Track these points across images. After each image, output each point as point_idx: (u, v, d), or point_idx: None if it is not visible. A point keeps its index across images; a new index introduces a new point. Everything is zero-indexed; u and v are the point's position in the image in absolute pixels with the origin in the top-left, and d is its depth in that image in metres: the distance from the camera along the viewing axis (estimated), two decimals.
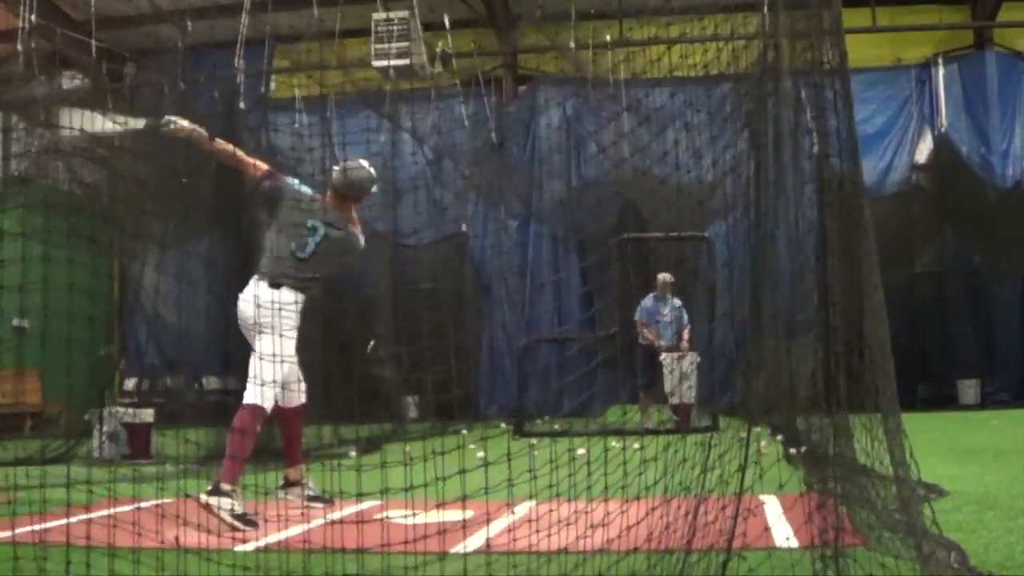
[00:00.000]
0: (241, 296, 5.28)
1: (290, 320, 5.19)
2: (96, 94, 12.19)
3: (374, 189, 5.66)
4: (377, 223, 13.32)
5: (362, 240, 5.69)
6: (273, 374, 4.94)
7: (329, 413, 9.56)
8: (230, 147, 5.54)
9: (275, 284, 5.22)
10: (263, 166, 5.55)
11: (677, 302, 11.81)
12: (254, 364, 5.06)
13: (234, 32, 13.31)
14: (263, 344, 5.05)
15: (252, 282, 5.28)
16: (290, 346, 5.19)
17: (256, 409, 5.05)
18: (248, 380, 5.09)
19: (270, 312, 5.01)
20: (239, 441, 4.94)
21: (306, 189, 5.55)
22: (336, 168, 5.63)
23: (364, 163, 5.64)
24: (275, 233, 5.38)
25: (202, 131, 5.36)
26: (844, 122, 3.18)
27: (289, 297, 5.20)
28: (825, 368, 2.98)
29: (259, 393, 5.02)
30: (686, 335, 11.72)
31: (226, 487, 4.80)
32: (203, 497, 4.73)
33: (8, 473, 5.33)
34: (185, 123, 5.33)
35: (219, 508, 4.71)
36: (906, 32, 15.47)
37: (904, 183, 15.48)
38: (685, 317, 11.78)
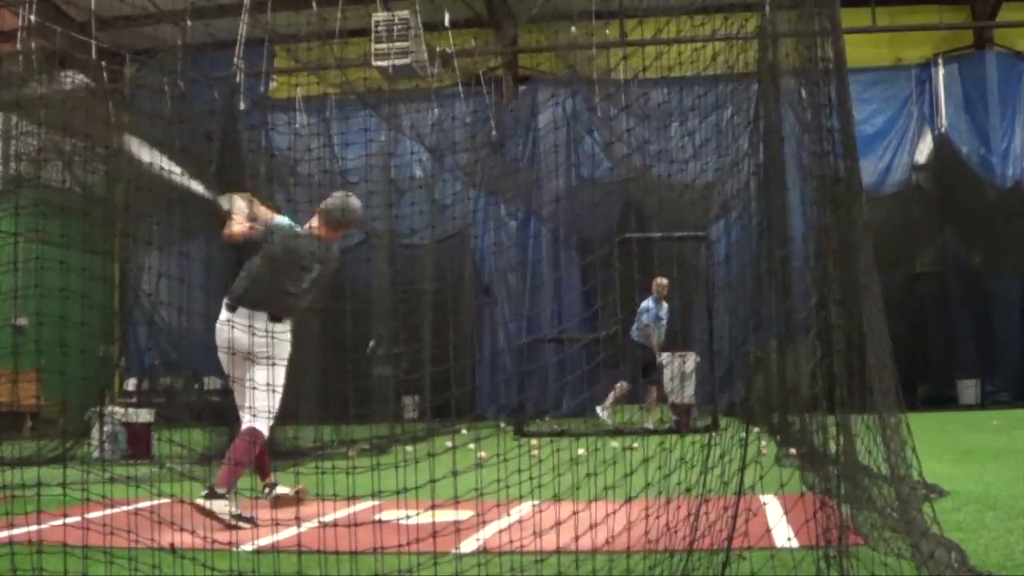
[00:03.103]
0: (229, 321, 5.24)
1: (286, 351, 5.26)
2: (96, 94, 12.18)
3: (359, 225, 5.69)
4: (377, 223, 13.31)
5: (337, 255, 5.72)
6: (271, 402, 5.04)
7: (328, 414, 9.55)
8: (241, 231, 5.40)
9: (275, 318, 5.23)
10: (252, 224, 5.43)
11: (665, 304, 11.86)
12: (253, 392, 5.06)
13: (234, 32, 13.30)
14: (262, 373, 5.05)
15: (243, 310, 5.22)
16: (283, 375, 5.24)
17: (257, 434, 5.12)
18: (246, 407, 5.11)
19: (267, 342, 5.02)
20: (240, 457, 5.03)
21: (292, 224, 5.51)
22: (329, 200, 5.60)
23: (354, 198, 5.67)
24: (265, 266, 5.33)
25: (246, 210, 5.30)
26: (842, 121, 3.17)
27: (283, 328, 5.27)
28: (826, 367, 2.97)
29: (260, 420, 5.08)
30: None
31: (221, 490, 4.84)
32: (201, 502, 4.77)
33: (7, 473, 5.33)
34: (236, 203, 5.24)
35: (219, 510, 4.77)
36: (906, 32, 15.47)
37: (904, 183, 15.49)
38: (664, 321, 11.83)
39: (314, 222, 5.53)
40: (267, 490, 5.64)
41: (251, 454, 5.11)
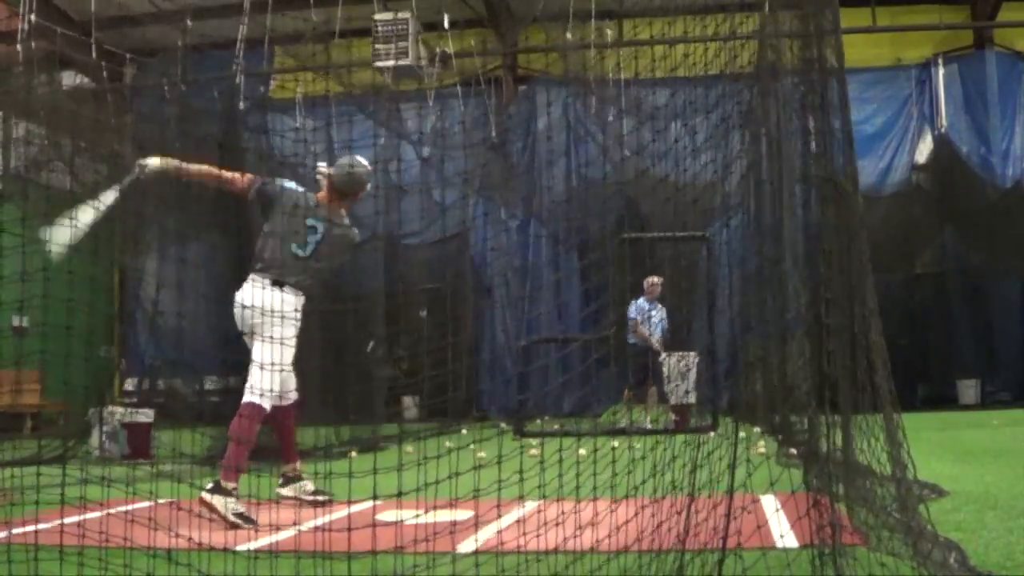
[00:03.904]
0: (239, 295, 5.29)
1: (291, 321, 5.21)
2: (96, 94, 12.19)
3: (369, 187, 5.69)
4: (377, 224, 13.30)
5: (357, 234, 5.76)
6: (272, 375, 4.97)
7: (328, 414, 9.57)
8: (206, 168, 5.47)
9: (277, 284, 5.24)
10: (246, 177, 5.52)
11: (658, 306, 11.86)
12: (256, 354, 5.06)
13: (234, 32, 13.31)
14: (263, 344, 5.05)
15: (250, 281, 5.29)
16: (291, 345, 5.21)
17: (255, 408, 5.06)
18: (248, 379, 5.10)
19: (271, 312, 5.03)
20: (240, 441, 4.97)
21: (299, 187, 5.56)
22: (332, 166, 5.65)
23: (361, 160, 5.68)
24: (271, 234, 5.38)
25: (174, 161, 5.33)
26: (839, 121, 3.18)
27: (291, 298, 5.25)
28: (819, 366, 2.97)
29: (258, 392, 5.04)
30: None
31: (227, 486, 4.83)
32: (204, 495, 4.77)
33: (7, 474, 5.33)
34: (155, 160, 5.23)
35: (221, 506, 4.76)
36: (906, 32, 15.46)
37: (904, 183, 15.48)
38: (665, 320, 11.83)
39: (322, 191, 5.58)
40: (282, 480, 5.61)
41: (252, 430, 5.02)
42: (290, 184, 5.55)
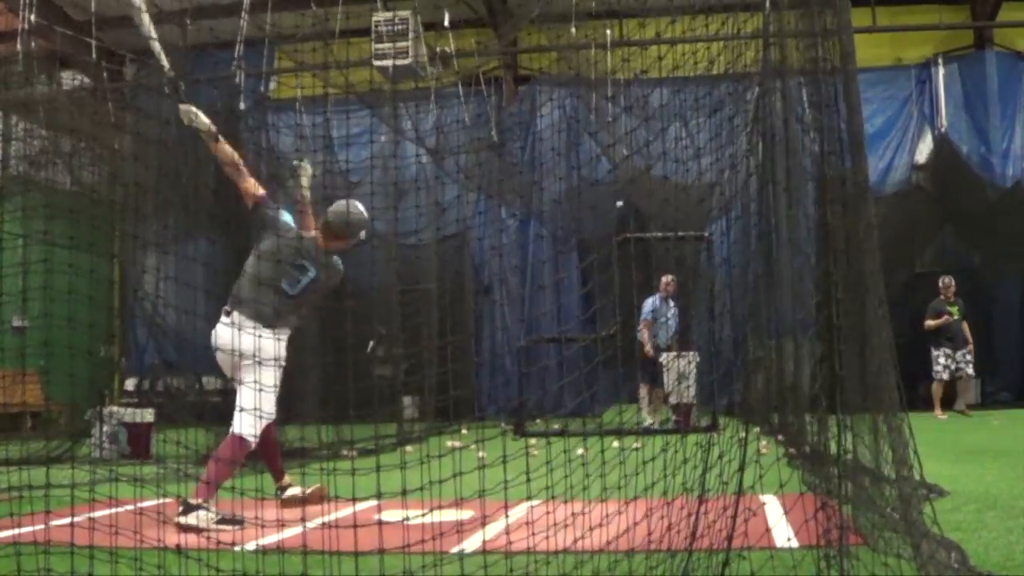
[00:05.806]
0: (218, 338, 5.23)
1: (270, 364, 5.13)
2: (96, 94, 12.18)
3: (362, 235, 5.58)
4: (378, 223, 13.31)
5: (342, 273, 5.66)
6: (255, 419, 4.97)
7: (328, 414, 9.56)
8: (232, 154, 5.44)
9: (269, 325, 5.16)
10: (260, 190, 5.44)
11: (671, 303, 11.87)
12: (244, 396, 5.03)
13: (234, 32, 13.31)
14: (254, 377, 4.98)
15: (237, 314, 5.17)
16: (272, 378, 5.15)
17: (244, 441, 5.08)
18: (236, 411, 5.09)
19: (258, 346, 4.95)
20: (221, 469, 4.94)
21: (293, 224, 5.52)
22: (332, 209, 5.54)
23: (359, 205, 5.59)
24: (257, 261, 5.29)
25: (214, 129, 5.36)
26: (847, 120, 3.18)
27: (270, 341, 5.17)
28: (827, 366, 2.98)
29: (249, 425, 5.04)
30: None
31: (196, 501, 4.83)
32: (180, 519, 4.75)
33: (12, 474, 5.34)
34: (204, 118, 5.33)
35: (198, 521, 4.74)
36: (906, 32, 15.48)
37: (904, 183, 15.49)
38: (676, 318, 11.85)
39: (316, 228, 5.53)
40: (279, 492, 5.62)
41: (227, 470, 4.99)
42: (287, 218, 5.49)
